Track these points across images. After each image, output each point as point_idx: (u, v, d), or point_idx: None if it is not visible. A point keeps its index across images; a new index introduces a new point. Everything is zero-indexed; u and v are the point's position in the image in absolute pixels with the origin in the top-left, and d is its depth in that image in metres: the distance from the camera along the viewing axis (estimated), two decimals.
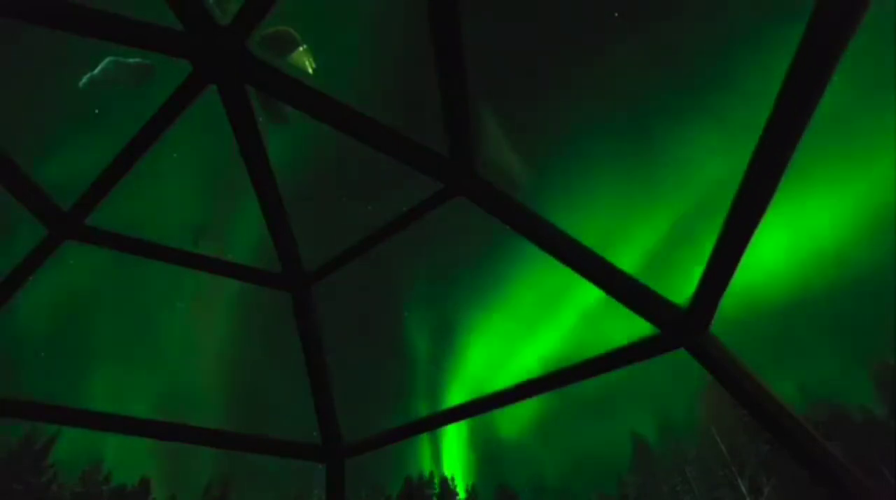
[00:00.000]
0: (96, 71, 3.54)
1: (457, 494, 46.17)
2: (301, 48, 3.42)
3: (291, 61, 3.41)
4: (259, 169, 1.92)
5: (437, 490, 46.03)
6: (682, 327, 1.54)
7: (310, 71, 3.52)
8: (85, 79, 3.66)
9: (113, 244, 2.06)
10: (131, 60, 3.56)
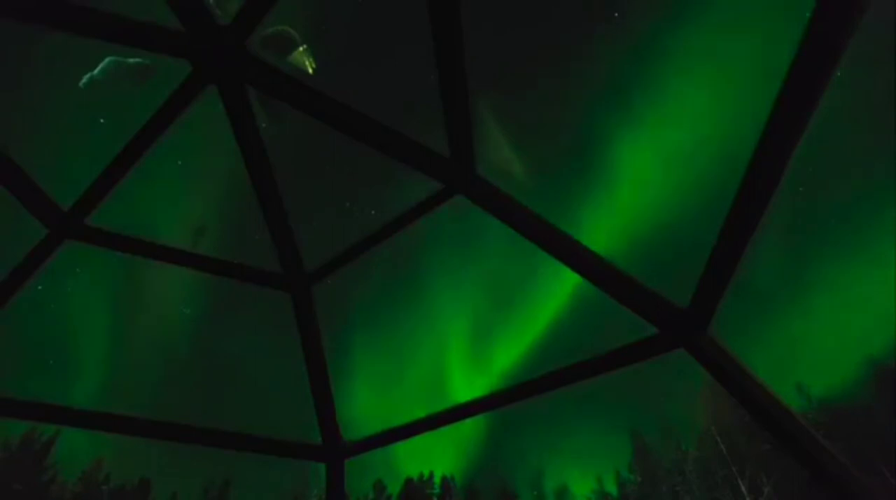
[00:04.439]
0: (97, 71, 3.55)
1: (457, 494, 46.14)
2: (301, 48, 3.43)
3: (291, 61, 3.42)
4: (259, 169, 1.92)
5: (437, 490, 46.01)
6: (681, 327, 1.54)
7: (310, 71, 3.53)
8: (85, 78, 3.66)
9: (113, 244, 2.06)
10: (131, 60, 3.56)
